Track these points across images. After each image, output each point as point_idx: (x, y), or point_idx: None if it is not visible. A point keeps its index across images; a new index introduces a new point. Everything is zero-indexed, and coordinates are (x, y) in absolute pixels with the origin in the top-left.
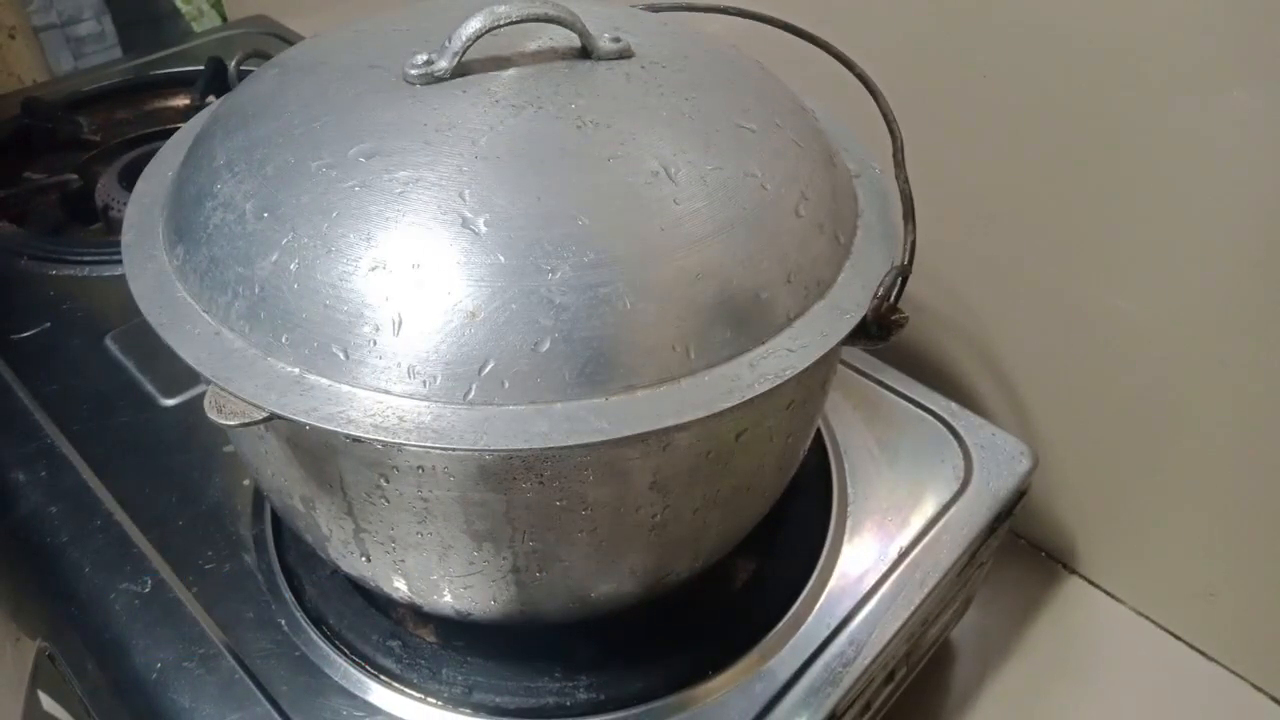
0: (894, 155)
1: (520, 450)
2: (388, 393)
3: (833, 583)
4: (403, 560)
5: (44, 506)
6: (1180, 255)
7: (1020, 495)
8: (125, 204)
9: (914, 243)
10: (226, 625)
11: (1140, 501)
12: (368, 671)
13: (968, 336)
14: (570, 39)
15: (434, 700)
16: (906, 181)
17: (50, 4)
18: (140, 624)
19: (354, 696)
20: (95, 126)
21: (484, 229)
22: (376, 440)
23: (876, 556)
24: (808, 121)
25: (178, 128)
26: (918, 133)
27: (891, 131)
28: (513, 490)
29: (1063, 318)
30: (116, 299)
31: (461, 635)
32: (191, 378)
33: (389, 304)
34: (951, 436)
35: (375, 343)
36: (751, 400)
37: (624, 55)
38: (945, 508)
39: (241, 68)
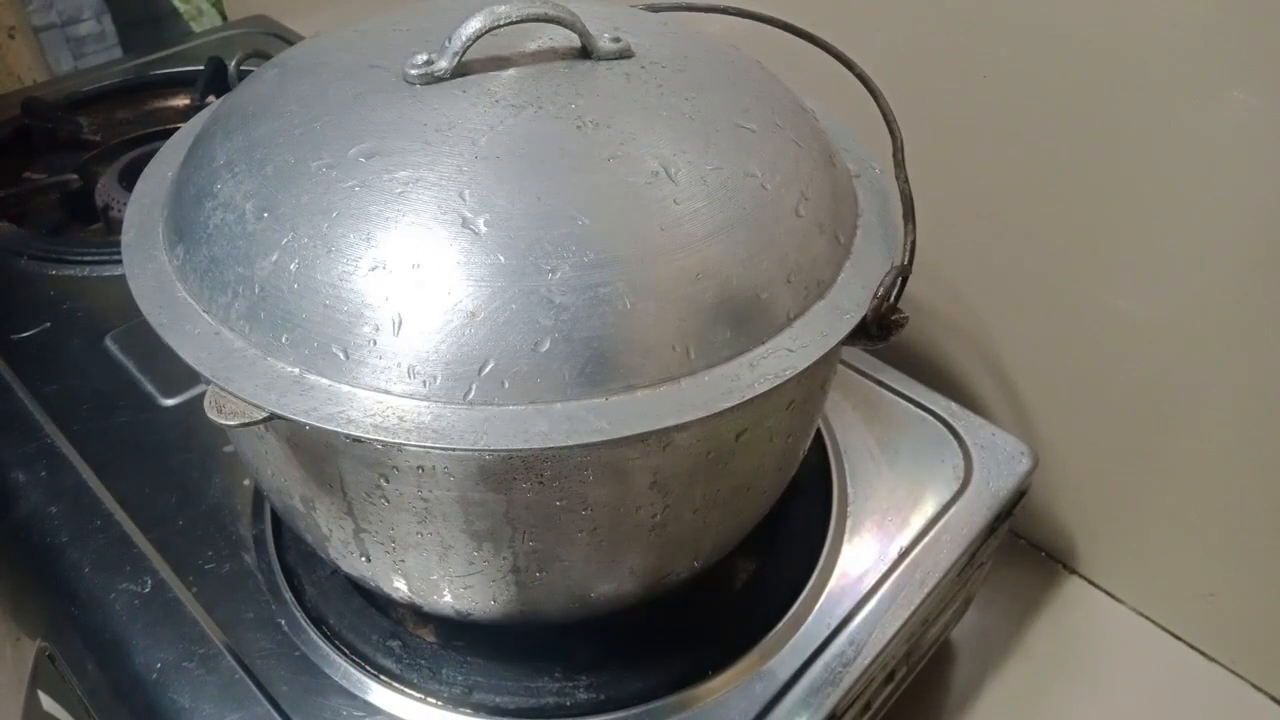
0: (894, 155)
1: (520, 450)
2: (388, 393)
3: (833, 583)
4: (403, 560)
5: (44, 506)
6: (1180, 255)
7: (1020, 495)
8: (125, 204)
9: (914, 243)
10: (226, 625)
11: (1140, 501)
12: (368, 671)
13: (968, 336)
14: (570, 39)
15: (434, 700)
16: (906, 181)
17: (50, 4)
18: (140, 624)
19: (354, 696)
20: (95, 126)
21: (484, 229)
22: (376, 440)
23: (876, 556)
24: (808, 121)
25: (178, 128)
26: (918, 133)
27: (891, 131)
28: (513, 490)
29: (1063, 318)
30: (116, 299)
31: (461, 635)
32: (191, 378)
33: (389, 304)
34: (951, 436)
35: (375, 343)
36: (751, 400)
37: (624, 55)
38: (945, 508)
39: (241, 68)
